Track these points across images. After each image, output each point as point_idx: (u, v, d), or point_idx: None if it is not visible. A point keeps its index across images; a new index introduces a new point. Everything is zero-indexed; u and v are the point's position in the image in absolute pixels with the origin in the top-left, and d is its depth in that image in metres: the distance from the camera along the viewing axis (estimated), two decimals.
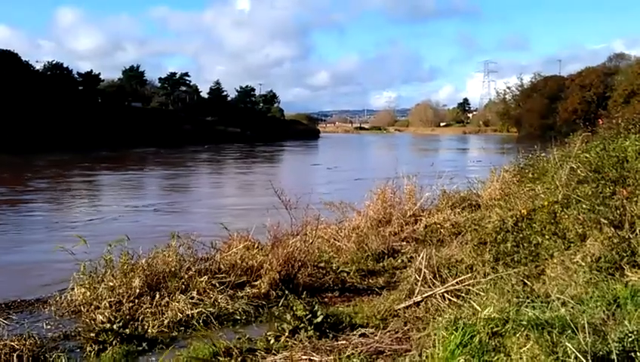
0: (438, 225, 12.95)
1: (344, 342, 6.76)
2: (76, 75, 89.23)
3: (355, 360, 5.79)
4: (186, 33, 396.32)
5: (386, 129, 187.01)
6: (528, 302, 5.78)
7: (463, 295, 7.40)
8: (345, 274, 10.10)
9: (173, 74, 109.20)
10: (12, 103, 66.40)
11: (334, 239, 12.18)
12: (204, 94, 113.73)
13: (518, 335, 4.77)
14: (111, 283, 8.67)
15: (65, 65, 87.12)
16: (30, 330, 7.47)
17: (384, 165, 34.08)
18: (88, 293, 8.66)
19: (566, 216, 8.40)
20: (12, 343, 6.91)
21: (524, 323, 4.87)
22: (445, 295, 7.72)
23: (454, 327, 5.14)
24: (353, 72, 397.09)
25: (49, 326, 7.98)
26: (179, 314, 8.08)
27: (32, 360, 6.67)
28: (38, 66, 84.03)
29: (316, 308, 7.49)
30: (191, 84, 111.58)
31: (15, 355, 6.67)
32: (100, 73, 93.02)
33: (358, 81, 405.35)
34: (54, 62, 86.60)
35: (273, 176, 38.82)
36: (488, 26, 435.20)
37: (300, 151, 77.41)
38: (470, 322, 5.21)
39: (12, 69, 71.80)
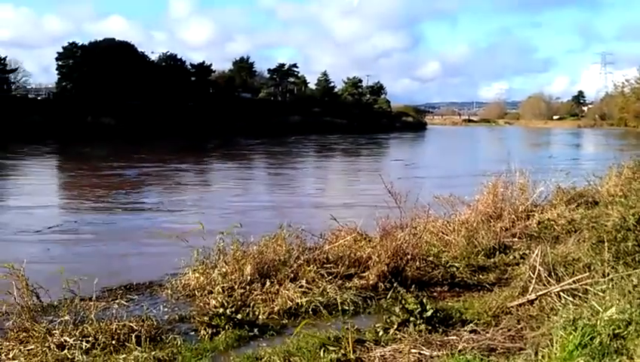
0: (552, 222, 12.53)
1: (455, 337, 6.66)
2: (189, 66, 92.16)
3: (467, 356, 5.70)
4: (293, 24, 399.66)
5: (495, 122, 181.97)
6: None
7: (580, 294, 7.12)
8: (454, 269, 9.93)
9: (282, 65, 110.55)
10: (130, 93, 69.66)
11: (443, 233, 12.01)
12: (312, 85, 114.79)
13: None
14: (224, 270, 8.95)
15: (179, 57, 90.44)
16: (148, 312, 7.77)
17: (473, 163, 32.53)
18: (202, 278, 8.97)
19: None
20: (131, 324, 7.22)
21: None
22: (561, 294, 7.45)
23: (573, 327, 4.99)
24: (463, 62, 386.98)
25: (165, 309, 8.29)
26: (288, 301, 8.21)
27: (149, 341, 6.94)
28: (153, 57, 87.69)
29: (425, 301, 7.42)
30: (299, 75, 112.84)
31: (134, 336, 6.97)
32: (211, 64, 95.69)
33: (468, 72, 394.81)
34: (168, 53, 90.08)
35: (318, 170, 38.24)
36: (607, 14, 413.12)
37: (395, 144, 75.06)
38: (590, 323, 5.02)
39: (129, 59, 75.41)
